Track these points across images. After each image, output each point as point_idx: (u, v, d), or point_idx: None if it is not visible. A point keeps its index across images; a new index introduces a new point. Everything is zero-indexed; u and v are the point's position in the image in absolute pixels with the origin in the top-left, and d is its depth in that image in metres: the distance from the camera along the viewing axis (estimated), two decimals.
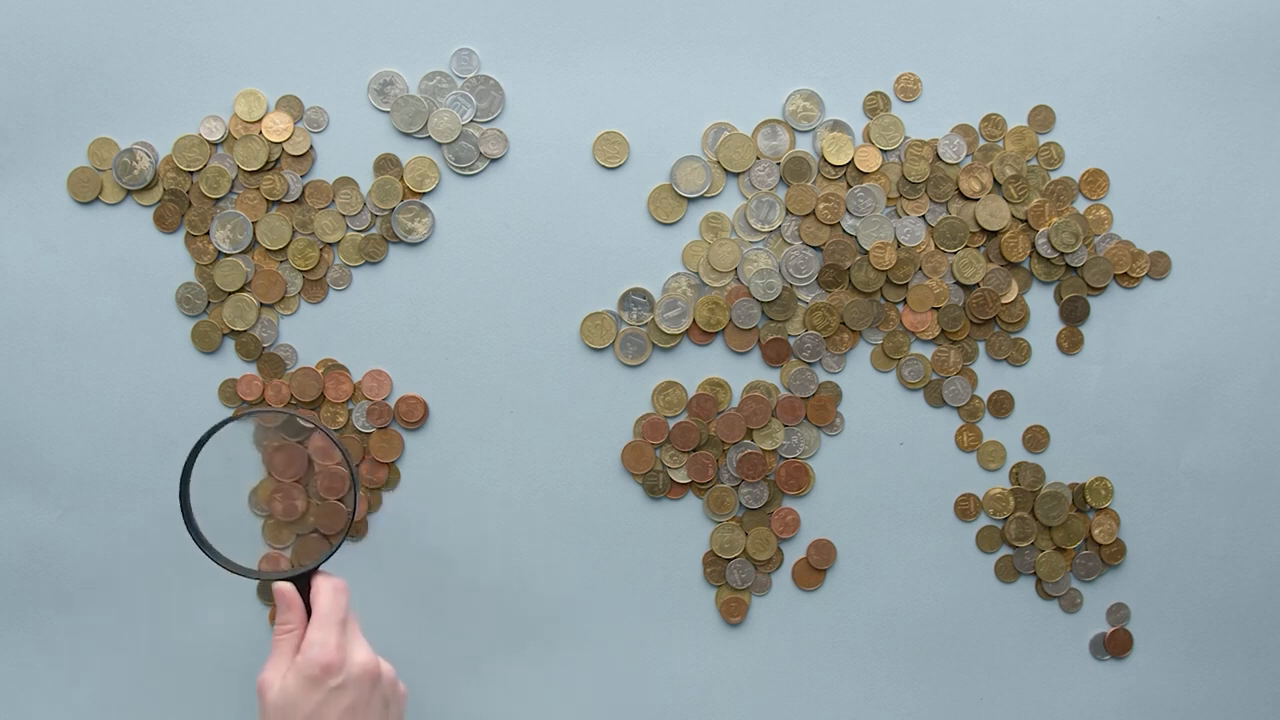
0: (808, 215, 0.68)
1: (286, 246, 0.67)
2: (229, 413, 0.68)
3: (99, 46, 0.65)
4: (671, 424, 0.69)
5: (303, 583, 0.58)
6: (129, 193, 0.66)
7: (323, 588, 0.58)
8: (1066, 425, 0.71)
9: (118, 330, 0.67)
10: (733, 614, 0.71)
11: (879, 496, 0.71)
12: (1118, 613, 0.73)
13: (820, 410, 0.69)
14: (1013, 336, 0.70)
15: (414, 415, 0.68)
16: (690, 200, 0.68)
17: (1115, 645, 0.73)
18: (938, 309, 0.69)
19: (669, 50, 0.67)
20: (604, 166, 0.67)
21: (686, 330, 0.68)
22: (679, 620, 0.71)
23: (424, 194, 0.67)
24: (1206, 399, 0.72)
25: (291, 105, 0.66)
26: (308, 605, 0.58)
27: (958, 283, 0.69)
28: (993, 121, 0.68)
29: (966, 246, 0.69)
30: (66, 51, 0.65)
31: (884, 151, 0.68)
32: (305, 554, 0.66)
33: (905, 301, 0.69)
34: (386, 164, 0.66)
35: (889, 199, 0.68)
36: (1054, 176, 0.69)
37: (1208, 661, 0.74)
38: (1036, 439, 0.71)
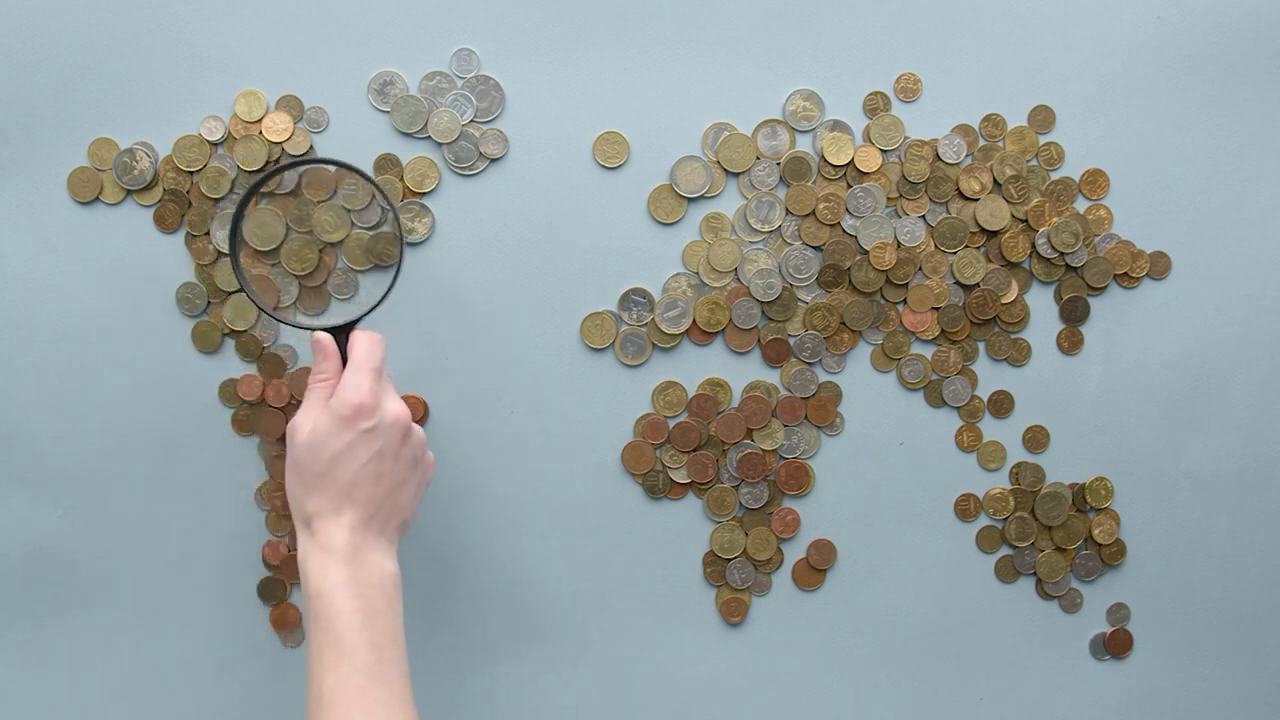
0: (808, 215, 0.68)
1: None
2: (229, 412, 0.68)
3: (99, 46, 0.65)
4: (671, 424, 0.69)
5: (341, 336, 0.59)
6: (129, 193, 0.66)
7: (360, 338, 0.58)
8: (1066, 425, 0.71)
9: (118, 330, 0.67)
10: (733, 614, 0.71)
11: (879, 496, 0.71)
12: (1118, 613, 0.73)
13: (820, 410, 0.69)
14: (1013, 336, 0.70)
15: (414, 415, 0.68)
16: (690, 200, 0.68)
17: (1115, 645, 0.73)
18: (938, 309, 0.69)
19: (669, 50, 0.67)
20: (604, 166, 0.67)
21: (686, 330, 0.68)
22: (679, 620, 0.71)
23: (424, 194, 0.67)
24: (1206, 399, 0.72)
25: (291, 105, 0.66)
26: (344, 361, 0.58)
27: (958, 283, 0.69)
28: (993, 121, 0.68)
29: (966, 246, 0.69)
30: (66, 51, 0.64)
31: (884, 151, 0.68)
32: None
33: (905, 301, 0.69)
34: (386, 164, 0.66)
35: (889, 199, 0.68)
36: (1054, 176, 0.69)
37: (1208, 661, 0.74)
38: (1036, 439, 0.71)
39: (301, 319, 0.59)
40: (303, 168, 0.61)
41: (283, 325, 0.59)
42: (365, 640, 0.53)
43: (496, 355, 0.68)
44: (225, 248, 0.58)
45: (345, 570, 0.54)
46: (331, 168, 0.63)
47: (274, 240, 0.66)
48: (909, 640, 0.72)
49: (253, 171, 0.61)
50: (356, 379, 0.56)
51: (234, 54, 0.65)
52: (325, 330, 0.59)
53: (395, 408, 0.57)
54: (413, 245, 0.67)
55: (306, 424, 0.56)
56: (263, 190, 0.66)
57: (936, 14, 0.67)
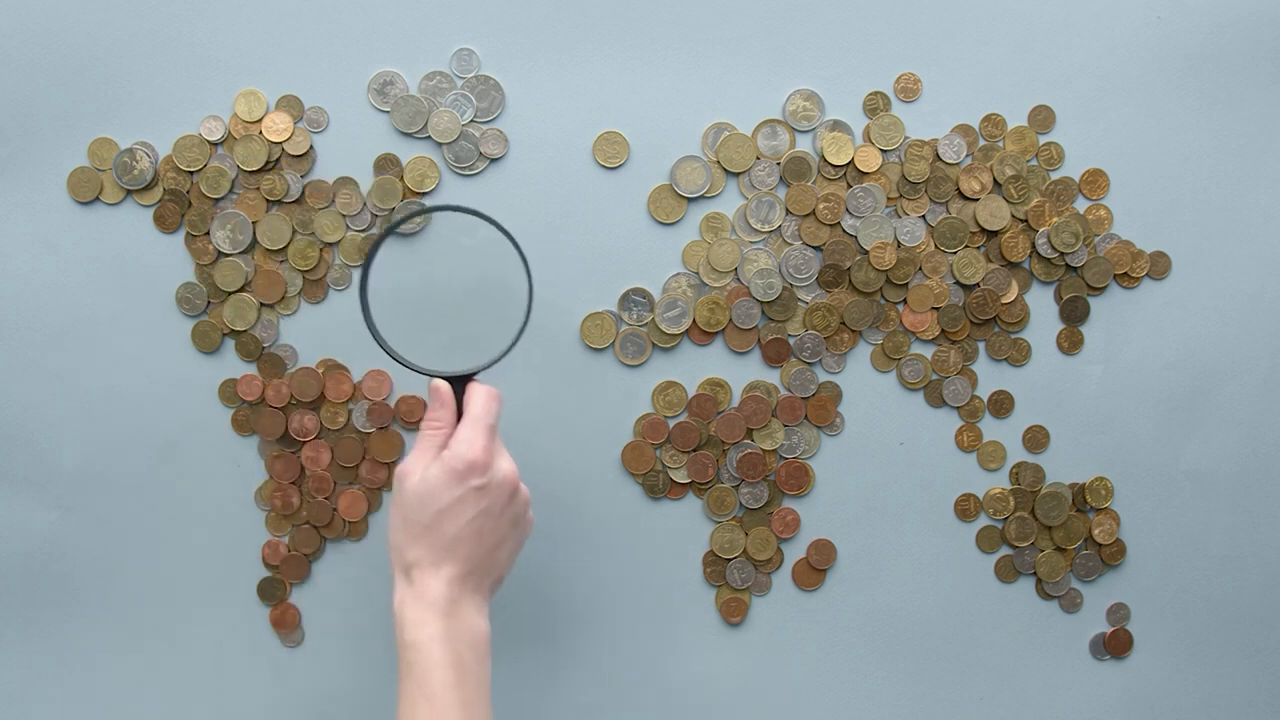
0: (808, 215, 0.68)
1: (286, 246, 0.67)
2: (229, 412, 0.68)
3: (99, 46, 0.65)
4: (671, 424, 0.69)
5: (458, 385, 0.59)
6: (129, 193, 0.66)
7: (478, 392, 0.58)
8: (1066, 425, 0.71)
9: (118, 330, 0.67)
10: (733, 614, 0.71)
11: (879, 496, 0.71)
12: (1118, 613, 0.73)
13: (820, 410, 0.69)
14: (1013, 336, 0.70)
15: (414, 415, 0.68)
16: (690, 200, 0.68)
17: (1115, 645, 0.73)
18: (938, 309, 0.69)
19: (669, 50, 0.67)
20: (604, 166, 0.67)
21: (686, 330, 0.68)
22: (679, 620, 0.71)
23: (424, 194, 0.67)
24: (1206, 399, 0.72)
25: (291, 105, 0.66)
26: (459, 411, 0.58)
27: (958, 283, 0.69)
28: (993, 121, 0.68)
29: (966, 246, 0.69)
30: (66, 51, 0.65)
31: (884, 151, 0.68)
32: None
33: (905, 301, 0.69)
34: (386, 164, 0.66)
35: (889, 199, 0.68)
36: (1054, 176, 0.69)
37: (1208, 661, 0.74)
38: (1036, 439, 0.71)
39: (425, 364, 0.60)
40: (435, 214, 0.61)
41: (405, 368, 0.59)
42: (457, 698, 0.53)
43: None
44: (358, 298, 0.59)
45: (442, 624, 0.54)
46: (470, 217, 0.62)
47: (282, 241, 0.66)
48: (909, 640, 0.72)
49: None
50: (472, 435, 0.56)
51: (234, 54, 0.65)
52: (445, 378, 0.59)
53: (506, 467, 0.57)
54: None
55: (416, 472, 0.56)
56: (270, 198, 0.66)
57: (936, 14, 0.67)
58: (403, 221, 0.59)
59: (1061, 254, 0.69)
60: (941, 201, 0.69)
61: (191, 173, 0.66)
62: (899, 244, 0.69)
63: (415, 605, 0.54)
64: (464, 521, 0.55)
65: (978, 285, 0.69)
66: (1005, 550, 0.72)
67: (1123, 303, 0.71)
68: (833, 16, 0.67)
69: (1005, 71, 0.68)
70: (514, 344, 0.60)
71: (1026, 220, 0.69)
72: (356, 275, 0.59)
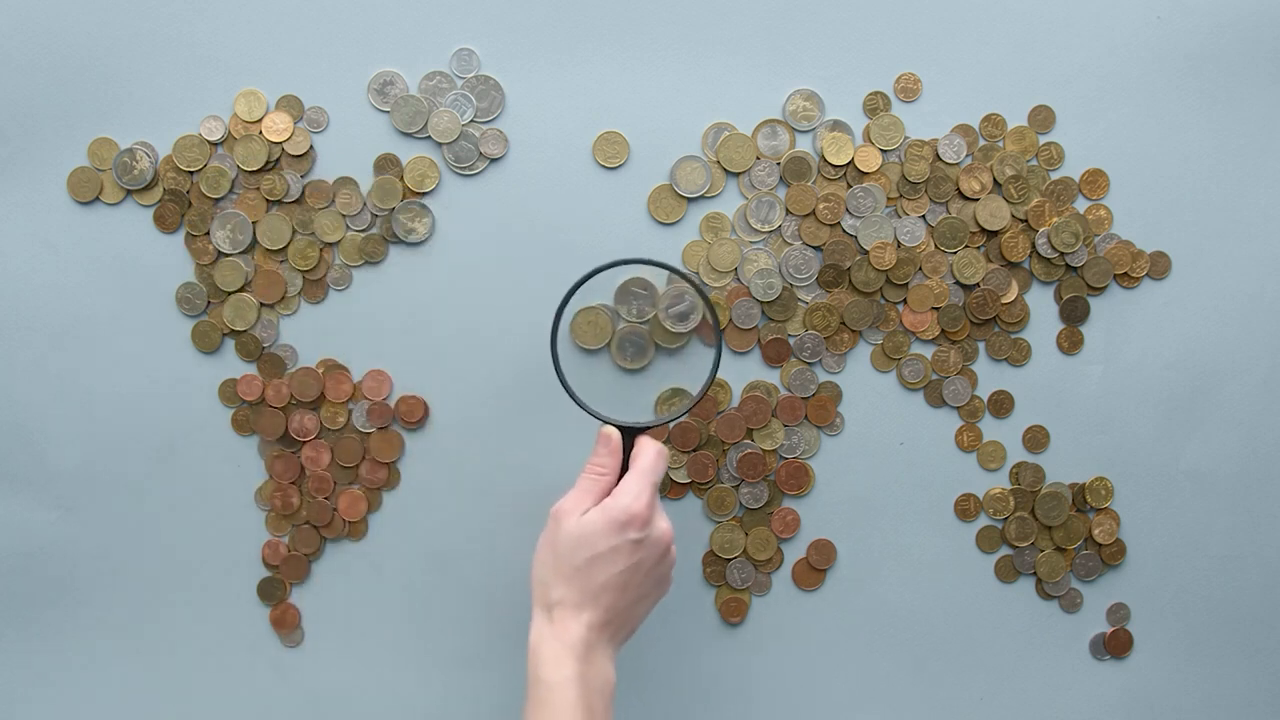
0: (808, 215, 0.68)
1: (286, 246, 0.67)
2: (229, 412, 0.68)
3: (99, 46, 0.65)
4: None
5: (628, 436, 0.59)
6: (129, 193, 0.66)
7: (648, 446, 0.59)
8: (1066, 425, 0.71)
9: (118, 330, 0.67)
10: (733, 614, 0.71)
11: (879, 496, 0.71)
12: (1118, 613, 0.73)
13: (820, 410, 0.69)
14: (1013, 336, 0.70)
15: (414, 415, 0.68)
16: (690, 200, 0.68)
17: (1115, 645, 0.73)
18: (938, 309, 0.69)
19: (669, 50, 0.67)
20: (604, 166, 0.67)
21: None
22: (679, 620, 0.71)
23: (424, 194, 0.67)
24: (1206, 399, 0.72)
25: (291, 105, 0.66)
26: (625, 462, 0.59)
27: (958, 283, 0.69)
28: (993, 121, 0.68)
29: (966, 246, 0.69)
30: (66, 51, 0.65)
31: (884, 151, 0.68)
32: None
33: (905, 301, 0.69)
34: (386, 164, 0.66)
35: (889, 199, 0.68)
36: (1054, 176, 0.69)
37: (1208, 661, 0.74)
38: (1036, 439, 0.71)
39: (602, 411, 0.60)
40: (618, 268, 0.62)
41: (580, 407, 0.61)
42: None
43: (496, 355, 0.68)
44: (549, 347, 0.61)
45: (577, 667, 0.54)
46: (657, 269, 0.62)
47: (282, 241, 0.66)
48: (909, 640, 0.72)
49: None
50: (638, 488, 0.57)
51: (234, 54, 0.65)
52: (618, 427, 0.59)
53: (664, 525, 0.58)
54: (413, 245, 0.67)
55: (575, 513, 0.57)
56: (271, 198, 0.66)
57: (936, 14, 0.67)
58: (609, 268, 0.60)
59: (1061, 254, 0.69)
60: (941, 201, 0.69)
61: (191, 173, 0.66)
62: (899, 244, 0.69)
63: (553, 644, 0.55)
64: (614, 571, 0.56)
65: (978, 285, 0.69)
66: (1005, 550, 0.72)
67: (1123, 303, 0.71)
68: (833, 16, 0.67)
69: (1005, 71, 0.68)
70: (694, 404, 0.62)
71: (1026, 220, 0.69)
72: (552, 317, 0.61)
